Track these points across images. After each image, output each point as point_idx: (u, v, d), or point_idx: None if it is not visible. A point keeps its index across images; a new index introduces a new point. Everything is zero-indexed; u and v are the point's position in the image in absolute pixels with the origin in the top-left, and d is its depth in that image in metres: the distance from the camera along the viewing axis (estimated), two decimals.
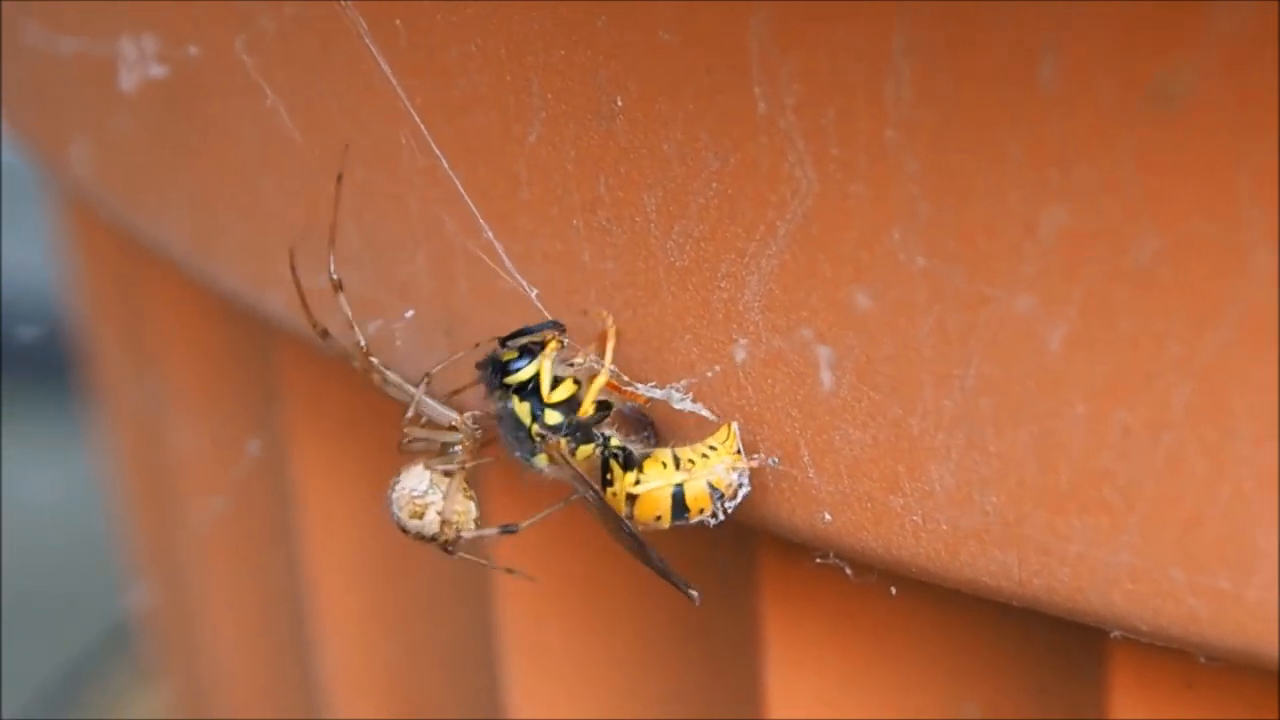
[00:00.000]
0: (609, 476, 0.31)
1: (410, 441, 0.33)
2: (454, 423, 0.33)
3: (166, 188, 0.39)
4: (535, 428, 0.31)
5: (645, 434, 0.32)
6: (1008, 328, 0.27)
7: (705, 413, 0.31)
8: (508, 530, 0.33)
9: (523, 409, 0.31)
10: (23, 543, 0.89)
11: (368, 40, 0.32)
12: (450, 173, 0.32)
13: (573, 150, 0.30)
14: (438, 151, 0.32)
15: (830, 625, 0.34)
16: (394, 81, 0.31)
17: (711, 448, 0.31)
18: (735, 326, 0.30)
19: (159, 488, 0.51)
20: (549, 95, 0.30)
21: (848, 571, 0.31)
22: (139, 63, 0.36)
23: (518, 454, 0.32)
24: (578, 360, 0.31)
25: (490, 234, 0.32)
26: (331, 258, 0.32)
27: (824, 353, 0.29)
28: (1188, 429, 0.26)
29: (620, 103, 0.29)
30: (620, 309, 0.31)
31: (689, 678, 0.37)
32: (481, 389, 0.32)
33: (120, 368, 0.52)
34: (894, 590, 0.32)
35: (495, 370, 0.32)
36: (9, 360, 0.93)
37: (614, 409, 0.32)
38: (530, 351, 0.31)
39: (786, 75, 0.27)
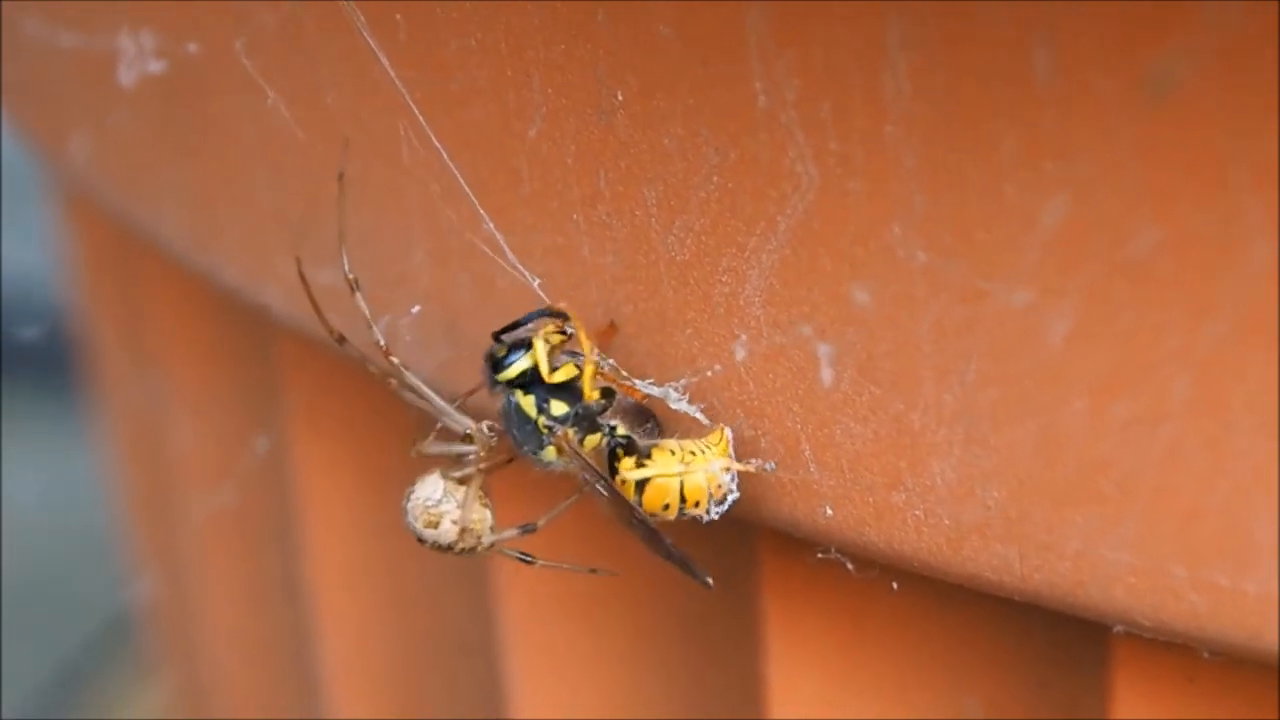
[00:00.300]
0: (616, 465, 0.31)
1: (424, 450, 0.33)
2: (469, 430, 0.33)
3: (166, 183, 0.39)
4: (541, 420, 0.31)
5: (648, 425, 0.32)
6: (1007, 322, 0.27)
7: (700, 416, 0.31)
8: (527, 530, 0.33)
9: (526, 402, 0.31)
10: (22, 540, 0.89)
11: (366, 35, 0.32)
12: (450, 166, 0.32)
13: (573, 145, 0.30)
14: (438, 145, 0.32)
15: (831, 620, 0.34)
16: (392, 74, 0.31)
17: (707, 446, 0.31)
18: (736, 321, 0.30)
19: (159, 484, 0.51)
20: (549, 90, 0.30)
21: (849, 566, 0.31)
22: (138, 58, 0.36)
23: (525, 449, 0.32)
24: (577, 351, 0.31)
25: (491, 226, 0.32)
26: (345, 257, 0.32)
27: (824, 348, 0.29)
28: (1187, 422, 0.26)
29: (620, 97, 0.29)
30: (621, 303, 0.31)
31: (690, 673, 0.37)
32: (485, 386, 0.32)
33: (120, 364, 0.52)
34: (895, 585, 0.32)
35: (491, 367, 0.31)
36: (9, 359, 0.93)
37: (617, 397, 0.32)
38: (524, 344, 0.31)
39: (785, 69, 0.27)
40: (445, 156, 0.31)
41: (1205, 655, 0.29)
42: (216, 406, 0.47)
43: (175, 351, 0.47)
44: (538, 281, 0.32)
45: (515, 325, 0.31)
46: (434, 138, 0.31)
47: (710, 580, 0.32)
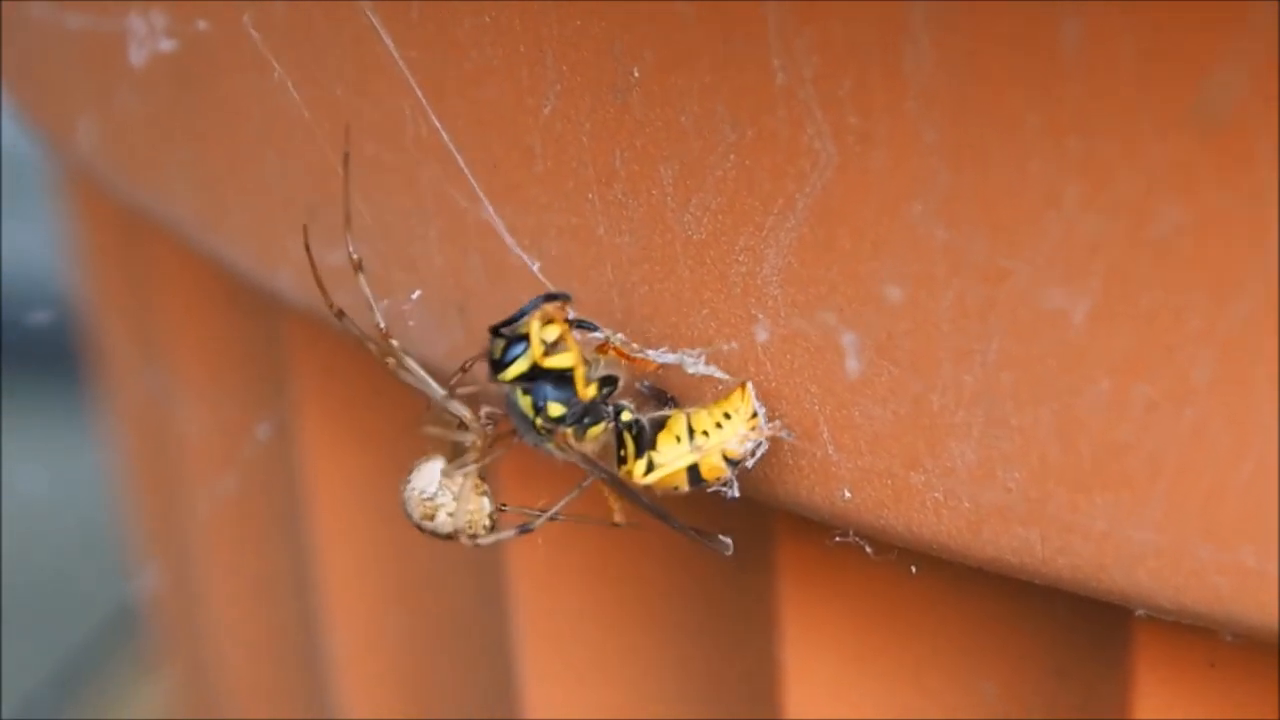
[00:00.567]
0: (623, 453, 0.31)
1: (428, 433, 0.33)
2: (465, 420, 0.32)
3: (174, 164, 0.38)
4: (539, 421, 0.31)
5: (664, 408, 0.31)
6: (1029, 301, 0.27)
7: (720, 374, 0.30)
8: (524, 531, 0.33)
9: (525, 402, 0.31)
10: (25, 532, 0.89)
11: (371, 14, 0.32)
12: (450, 146, 0.31)
13: (588, 123, 0.30)
14: (438, 125, 0.31)
15: (848, 604, 0.34)
16: (395, 54, 0.31)
17: (726, 415, 0.30)
18: (753, 301, 0.29)
19: (165, 473, 0.51)
20: (564, 68, 0.30)
21: (867, 550, 0.31)
22: (148, 38, 0.36)
23: (528, 439, 0.32)
24: (580, 327, 0.31)
25: (490, 210, 0.31)
26: (349, 238, 0.32)
27: (843, 328, 0.29)
28: (1210, 402, 0.26)
29: (636, 75, 0.29)
30: (637, 284, 0.31)
31: (704, 658, 0.37)
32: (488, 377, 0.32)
33: (126, 351, 0.52)
34: (914, 569, 0.31)
35: (490, 366, 0.31)
36: (13, 347, 0.93)
37: (621, 383, 0.31)
38: (522, 340, 0.31)
39: (804, 46, 0.27)
40: (445, 138, 0.31)
41: (1228, 639, 0.28)
42: (223, 394, 0.47)
43: (182, 338, 0.47)
44: (537, 265, 0.31)
45: (514, 319, 0.31)
46: (434, 118, 0.31)
47: (728, 540, 0.32)
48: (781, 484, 0.31)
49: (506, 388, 0.31)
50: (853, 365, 0.29)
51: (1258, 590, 0.27)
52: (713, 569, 0.36)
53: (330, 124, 0.34)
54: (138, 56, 0.37)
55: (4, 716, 0.83)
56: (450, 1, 0.31)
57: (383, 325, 0.32)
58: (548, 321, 0.30)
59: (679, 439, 0.31)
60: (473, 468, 0.32)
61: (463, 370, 0.32)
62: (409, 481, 0.32)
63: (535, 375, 0.31)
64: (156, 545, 0.56)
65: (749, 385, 0.30)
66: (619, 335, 0.31)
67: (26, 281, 0.89)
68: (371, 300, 0.32)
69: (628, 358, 0.31)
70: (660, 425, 0.31)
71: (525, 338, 0.31)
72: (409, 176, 0.33)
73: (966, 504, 0.29)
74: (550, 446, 0.31)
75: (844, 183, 0.28)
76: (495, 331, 0.31)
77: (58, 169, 0.53)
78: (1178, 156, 0.25)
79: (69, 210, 0.54)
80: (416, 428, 0.33)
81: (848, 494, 0.30)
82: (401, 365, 0.32)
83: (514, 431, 0.32)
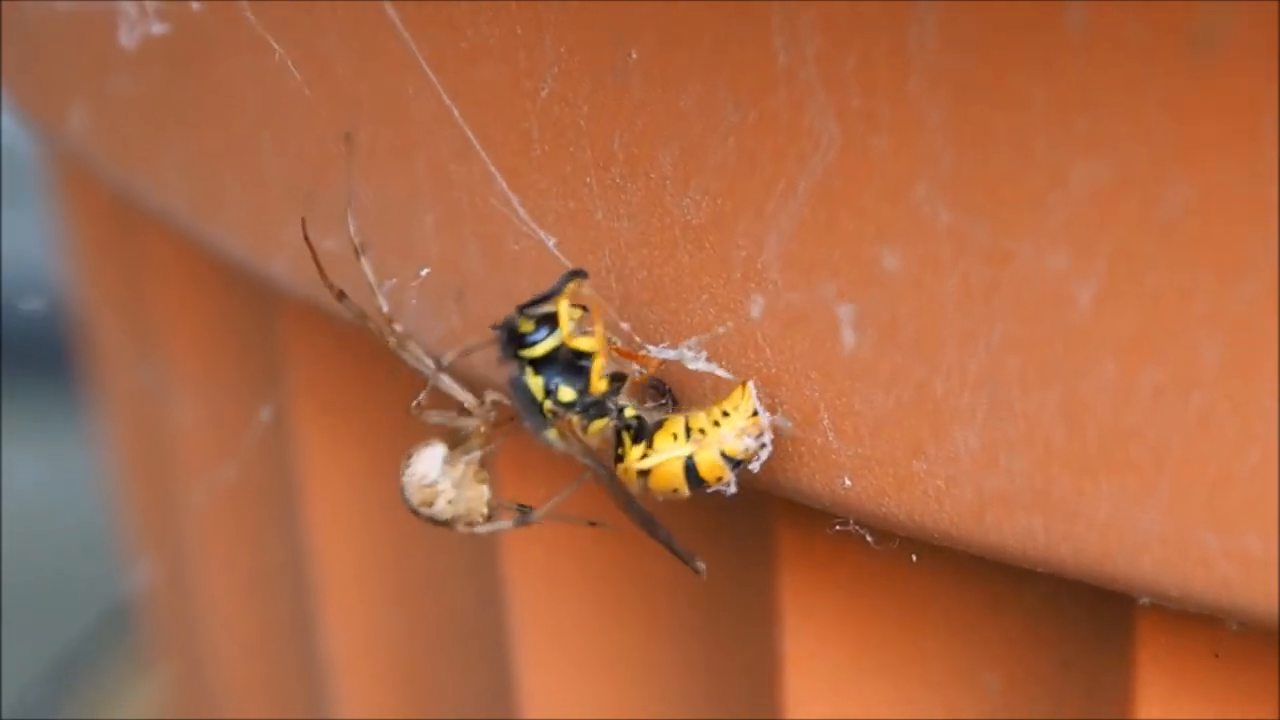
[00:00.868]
0: (620, 451, 0.31)
1: (421, 410, 0.32)
2: (469, 405, 0.32)
3: (168, 149, 0.38)
4: (548, 404, 0.31)
5: (662, 401, 0.31)
6: (1034, 284, 0.27)
7: (720, 372, 0.30)
8: (523, 520, 0.32)
9: (536, 383, 0.31)
10: (18, 527, 0.89)
11: None
12: (463, 125, 0.31)
13: (586, 105, 0.30)
14: (449, 103, 0.31)
15: (849, 594, 0.33)
16: (403, 32, 0.31)
17: (724, 413, 0.30)
18: (754, 286, 0.29)
19: (160, 464, 0.51)
20: (562, 48, 0.30)
21: (868, 539, 0.31)
22: (140, 20, 0.36)
23: (528, 424, 0.31)
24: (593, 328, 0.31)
25: (504, 185, 0.31)
26: (351, 220, 0.32)
27: (845, 312, 0.28)
28: (1218, 386, 0.26)
29: (635, 56, 0.29)
30: (635, 269, 0.30)
31: (704, 652, 0.37)
32: (496, 352, 0.31)
33: (120, 341, 0.52)
34: (915, 558, 0.31)
35: (511, 339, 0.31)
36: (5, 339, 0.93)
37: (628, 379, 0.31)
38: (549, 323, 0.30)
39: (807, 25, 0.27)
40: (456, 114, 0.31)
41: (1233, 627, 0.28)
42: (218, 385, 0.46)
43: (176, 328, 0.47)
44: (553, 241, 0.31)
45: (541, 299, 0.31)
46: (445, 97, 0.31)
47: (702, 565, 0.31)
48: (781, 472, 0.30)
49: (513, 370, 0.31)
50: (854, 351, 0.29)
51: (1264, 577, 0.26)
52: (712, 562, 0.36)
53: (329, 107, 0.34)
54: (129, 39, 0.36)
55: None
56: None
57: (386, 309, 0.32)
58: (573, 304, 0.30)
59: (676, 436, 0.30)
60: (475, 454, 0.32)
61: (464, 353, 0.31)
62: (409, 466, 0.32)
63: (552, 358, 0.30)
64: (151, 540, 0.56)
65: (750, 384, 0.30)
66: (624, 325, 0.31)
67: (17, 271, 0.89)
68: (374, 284, 0.32)
69: (629, 356, 0.31)
70: (658, 426, 0.31)
71: (554, 317, 0.30)
72: (407, 160, 0.33)
73: (969, 491, 0.28)
74: (552, 435, 0.31)
75: (847, 164, 0.27)
76: (521, 310, 0.30)
77: (48, 156, 0.53)
78: (1186, 135, 0.25)
79: (60, 198, 0.54)
80: (413, 413, 0.32)
81: (848, 482, 0.30)
82: (404, 348, 0.32)
83: (513, 419, 0.32)
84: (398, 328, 0.31)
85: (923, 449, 0.29)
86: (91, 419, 0.61)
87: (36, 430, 0.95)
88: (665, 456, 0.30)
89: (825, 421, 0.29)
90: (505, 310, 0.31)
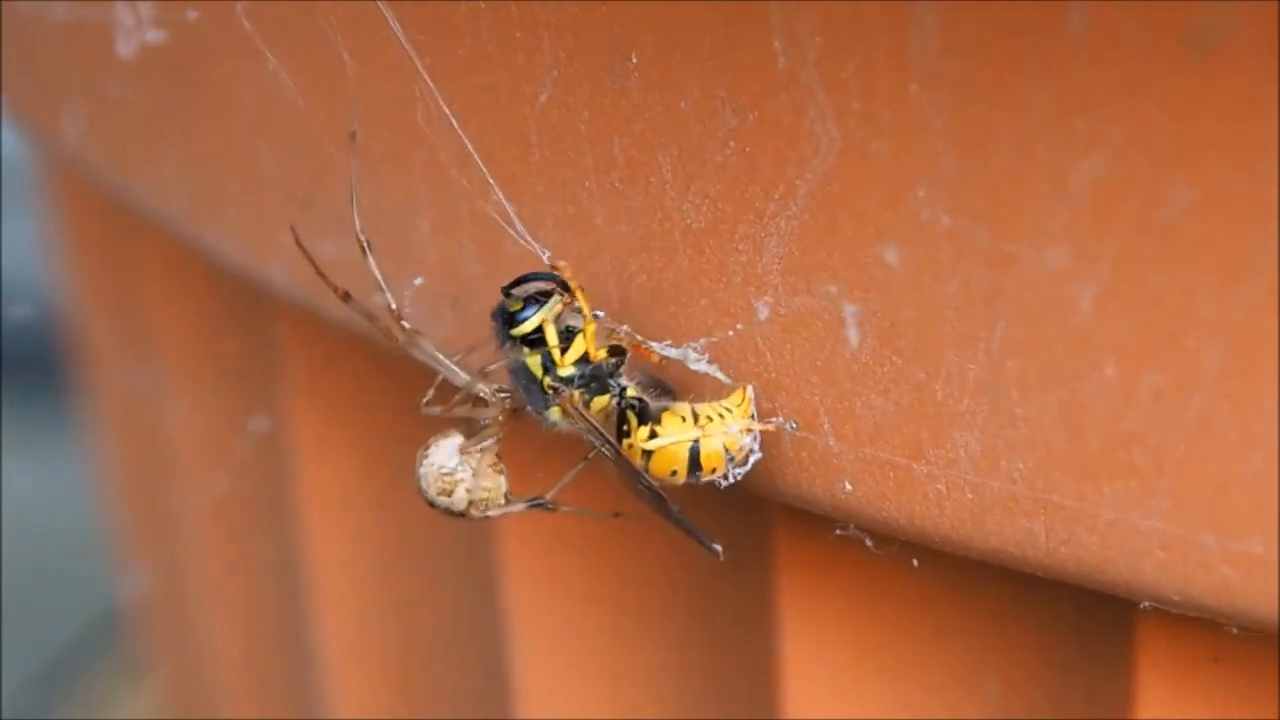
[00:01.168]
0: (625, 428, 0.31)
1: (432, 405, 0.32)
2: (485, 395, 0.32)
3: (164, 155, 0.38)
4: (547, 380, 0.31)
5: (664, 401, 0.31)
6: (1035, 287, 0.26)
7: (721, 376, 0.30)
8: (536, 505, 0.32)
9: (533, 361, 0.31)
10: (9, 533, 0.88)
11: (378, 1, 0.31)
12: (459, 132, 0.31)
13: (585, 110, 0.30)
14: (446, 111, 0.31)
15: (848, 600, 0.33)
16: (401, 37, 0.31)
17: (727, 408, 0.30)
18: (754, 290, 0.29)
19: (153, 470, 0.51)
20: (560, 53, 0.30)
21: (868, 543, 0.31)
22: (136, 28, 0.36)
23: (531, 407, 0.31)
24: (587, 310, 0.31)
25: (500, 195, 0.31)
26: (356, 217, 0.31)
27: (845, 316, 0.28)
28: (1219, 389, 0.26)
29: (635, 60, 0.29)
30: (635, 273, 0.30)
31: (702, 656, 0.37)
32: (495, 343, 0.31)
33: (113, 346, 0.52)
34: (916, 562, 0.31)
35: (501, 321, 0.31)
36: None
37: (628, 355, 0.31)
38: (536, 300, 0.31)
39: (807, 27, 0.27)
40: (454, 122, 0.31)
41: (1234, 631, 0.28)
42: (213, 391, 0.46)
43: (170, 334, 0.47)
44: (547, 255, 0.31)
45: (520, 281, 0.31)
46: (442, 102, 0.30)
47: (719, 548, 0.31)
48: (781, 476, 0.30)
49: (512, 356, 0.31)
50: (854, 355, 0.29)
51: (1266, 581, 0.26)
52: (711, 566, 0.35)
53: (325, 112, 0.33)
54: (125, 48, 0.36)
55: None
56: None
57: (394, 306, 0.31)
58: (561, 281, 0.30)
59: (684, 419, 0.30)
60: (491, 443, 0.32)
61: (468, 350, 0.31)
62: (426, 456, 0.32)
63: (545, 333, 0.30)
64: (144, 546, 0.56)
65: (749, 389, 0.30)
66: (624, 327, 0.31)
67: (11, 276, 0.89)
68: (381, 281, 0.31)
69: (633, 347, 0.31)
70: (664, 408, 0.30)
71: (541, 295, 0.30)
72: (404, 167, 0.33)
73: (970, 495, 0.28)
74: (555, 415, 0.31)
75: (846, 168, 0.27)
76: (507, 291, 0.30)
77: (43, 161, 0.53)
78: (1186, 136, 0.25)
79: (54, 203, 0.54)
80: (424, 410, 0.32)
81: (849, 486, 0.30)
82: (415, 344, 0.32)
83: (519, 408, 0.32)
84: (406, 324, 0.31)
85: (923, 453, 0.29)
86: (85, 425, 0.61)
87: (29, 436, 0.94)
88: (673, 439, 0.30)
89: (826, 425, 0.29)
90: None
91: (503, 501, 0.32)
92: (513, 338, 0.31)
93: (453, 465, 0.32)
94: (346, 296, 0.32)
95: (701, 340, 0.30)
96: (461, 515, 0.32)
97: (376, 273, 0.31)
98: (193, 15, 0.35)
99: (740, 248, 0.29)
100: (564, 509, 0.33)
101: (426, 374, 0.32)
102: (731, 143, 0.28)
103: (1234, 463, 0.26)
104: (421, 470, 0.32)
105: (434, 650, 0.43)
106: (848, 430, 0.29)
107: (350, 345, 0.38)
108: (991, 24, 0.25)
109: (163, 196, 0.39)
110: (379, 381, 0.40)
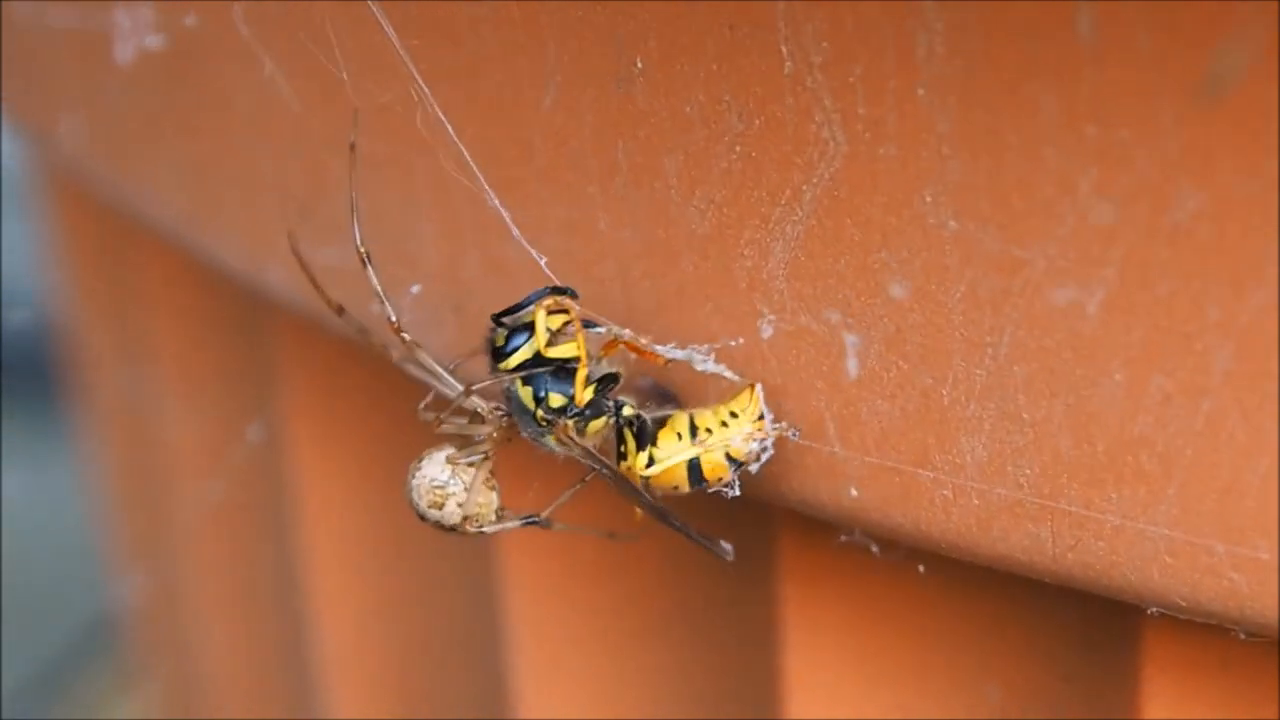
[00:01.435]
0: (623, 449, 0.30)
1: (430, 411, 0.32)
2: (482, 411, 0.32)
3: (161, 161, 0.38)
4: (540, 412, 0.31)
5: (666, 408, 0.31)
6: (1042, 292, 0.26)
7: (728, 374, 0.30)
8: (531, 522, 0.32)
9: (525, 393, 0.31)
10: (4, 540, 0.88)
11: (372, 5, 0.31)
12: (454, 139, 0.31)
13: (590, 115, 0.30)
14: (441, 117, 0.31)
15: (852, 606, 0.33)
16: (399, 45, 0.31)
17: (733, 413, 0.30)
18: (759, 296, 0.29)
19: (149, 477, 0.51)
20: (564, 57, 0.29)
21: (873, 549, 0.31)
22: (134, 33, 0.36)
23: (527, 433, 0.31)
24: (585, 328, 0.30)
25: (500, 202, 0.31)
26: (356, 229, 0.31)
27: (850, 322, 0.28)
28: (1227, 394, 0.26)
29: (640, 64, 0.29)
30: (639, 279, 0.30)
31: (703, 663, 0.37)
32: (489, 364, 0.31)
33: (110, 351, 0.52)
34: (921, 568, 0.31)
35: (492, 355, 0.30)
36: None
37: (622, 380, 0.31)
38: (524, 330, 0.30)
39: (814, 32, 0.27)
40: (450, 130, 0.30)
41: (1241, 637, 0.28)
42: (209, 397, 0.46)
43: (166, 340, 0.46)
44: (544, 260, 0.31)
45: (516, 308, 0.30)
46: (438, 109, 0.30)
47: (728, 546, 0.31)
48: (786, 482, 0.30)
49: (506, 380, 0.30)
50: (859, 360, 0.28)
51: (1273, 586, 0.26)
52: (712, 572, 0.35)
53: (323, 117, 0.33)
54: (123, 53, 0.36)
55: None
56: None
57: (394, 318, 0.31)
58: (553, 311, 0.30)
59: (680, 436, 0.30)
60: (482, 459, 0.32)
61: (467, 357, 0.31)
62: (419, 469, 0.32)
63: (537, 365, 0.30)
64: (141, 553, 0.55)
65: (758, 387, 0.30)
66: (626, 331, 0.30)
67: (7, 282, 0.89)
68: (381, 292, 0.31)
69: (637, 351, 0.30)
70: (661, 423, 0.30)
71: (529, 326, 0.30)
72: (405, 171, 0.32)
73: (976, 500, 0.28)
74: (550, 441, 0.31)
75: (853, 173, 0.27)
76: (497, 320, 0.30)
77: (39, 167, 0.53)
78: (1197, 141, 0.25)
79: (50, 209, 0.53)
80: (422, 417, 0.32)
81: (854, 492, 0.29)
82: (415, 361, 0.32)
83: (516, 432, 0.31)
84: (406, 336, 0.31)
85: (929, 458, 0.28)
86: (80, 432, 0.61)
87: (26, 441, 0.94)
88: (671, 461, 0.30)
89: (831, 431, 0.29)
90: None
91: (494, 518, 0.32)
92: (500, 370, 0.30)
93: (444, 478, 0.31)
94: (341, 311, 0.31)
95: (706, 346, 0.30)
96: (453, 530, 0.32)
97: (376, 285, 0.31)
98: (191, 21, 0.35)
99: (746, 253, 0.29)
100: (559, 526, 0.33)
101: (424, 381, 0.32)
102: (737, 148, 0.28)
103: (1242, 468, 0.26)
104: (413, 483, 0.32)
105: (431, 656, 0.43)
106: (853, 436, 0.29)
107: (348, 351, 0.38)
108: (1000, 28, 0.25)
109: (160, 201, 0.38)
110: (376, 387, 0.40)
